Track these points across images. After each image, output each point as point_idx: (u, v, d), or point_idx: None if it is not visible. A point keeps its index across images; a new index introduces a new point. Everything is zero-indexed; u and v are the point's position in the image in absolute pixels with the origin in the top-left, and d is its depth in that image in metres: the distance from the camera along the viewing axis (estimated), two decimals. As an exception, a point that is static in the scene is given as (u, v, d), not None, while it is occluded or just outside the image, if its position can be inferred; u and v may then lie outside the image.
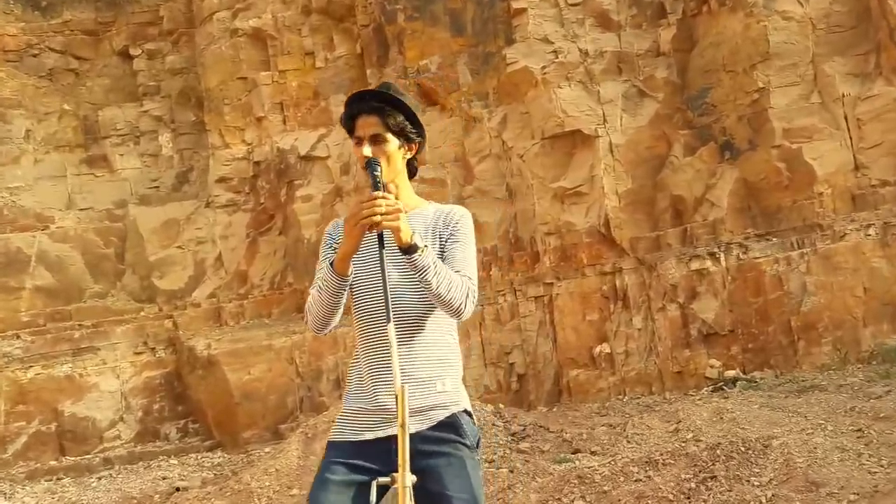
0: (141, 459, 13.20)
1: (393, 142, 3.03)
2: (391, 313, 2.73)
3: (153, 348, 14.43)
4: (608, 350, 13.07)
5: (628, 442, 10.30)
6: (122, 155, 16.28)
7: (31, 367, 13.69)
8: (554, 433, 11.27)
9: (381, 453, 2.91)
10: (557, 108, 13.71)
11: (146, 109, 16.50)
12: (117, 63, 16.79)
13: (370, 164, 2.93)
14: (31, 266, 14.84)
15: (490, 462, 10.55)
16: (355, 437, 2.97)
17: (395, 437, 2.76)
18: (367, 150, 2.97)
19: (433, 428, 2.93)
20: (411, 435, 2.79)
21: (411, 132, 3.08)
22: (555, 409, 12.81)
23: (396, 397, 2.62)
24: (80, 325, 14.32)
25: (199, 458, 13.10)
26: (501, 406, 12.89)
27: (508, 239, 14.27)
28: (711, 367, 12.38)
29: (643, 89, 13.94)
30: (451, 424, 2.93)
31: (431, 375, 2.96)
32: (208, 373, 13.84)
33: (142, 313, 14.92)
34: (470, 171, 14.64)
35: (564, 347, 13.31)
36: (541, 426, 11.53)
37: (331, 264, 2.90)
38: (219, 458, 13.01)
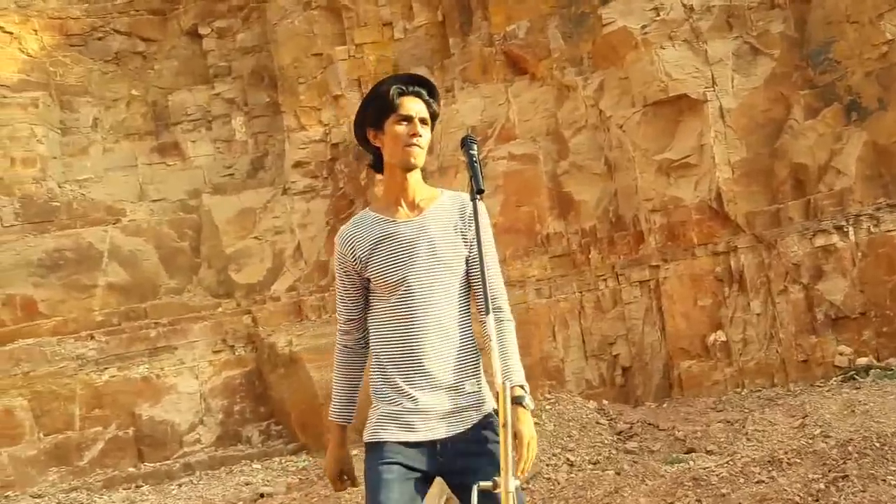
0: (223, 464, 13.45)
1: (430, 132, 3.36)
2: (490, 306, 2.98)
3: (232, 346, 14.69)
4: (723, 338, 12.97)
5: (748, 440, 10.16)
6: (193, 142, 16.63)
7: (106, 368, 14.06)
8: (664, 431, 11.20)
9: (422, 455, 3.20)
10: (660, 71, 13.57)
11: (217, 92, 16.80)
12: (186, 43, 17.14)
13: (469, 143, 3.15)
14: (104, 262, 15.26)
15: (595, 464, 10.52)
16: (395, 439, 3.21)
17: (436, 441, 3.16)
18: (419, 128, 3.26)
19: (470, 430, 3.20)
20: (449, 438, 3.17)
21: (433, 127, 3.39)
22: (665, 405, 12.74)
23: (498, 395, 2.84)
24: (155, 323, 14.67)
25: (283, 462, 13.28)
26: (605, 402, 12.81)
27: (609, 218, 14.21)
28: (841, 354, 12.10)
29: (756, 46, 13.67)
30: (485, 426, 3.20)
31: (461, 377, 3.20)
32: (290, 371, 14.02)
33: (219, 309, 15.18)
34: (564, 145, 14.54)
35: (674, 336, 13.23)
36: (650, 424, 11.47)
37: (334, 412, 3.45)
38: (304, 461, 13.13)
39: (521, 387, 3.16)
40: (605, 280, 13.90)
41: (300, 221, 15.93)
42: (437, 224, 3.26)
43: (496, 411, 3.15)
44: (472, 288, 3.29)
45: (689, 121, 13.60)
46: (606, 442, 11.08)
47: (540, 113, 14.76)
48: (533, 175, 14.54)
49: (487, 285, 3.12)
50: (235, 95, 16.80)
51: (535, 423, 11.35)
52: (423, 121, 3.29)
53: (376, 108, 3.32)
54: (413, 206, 3.31)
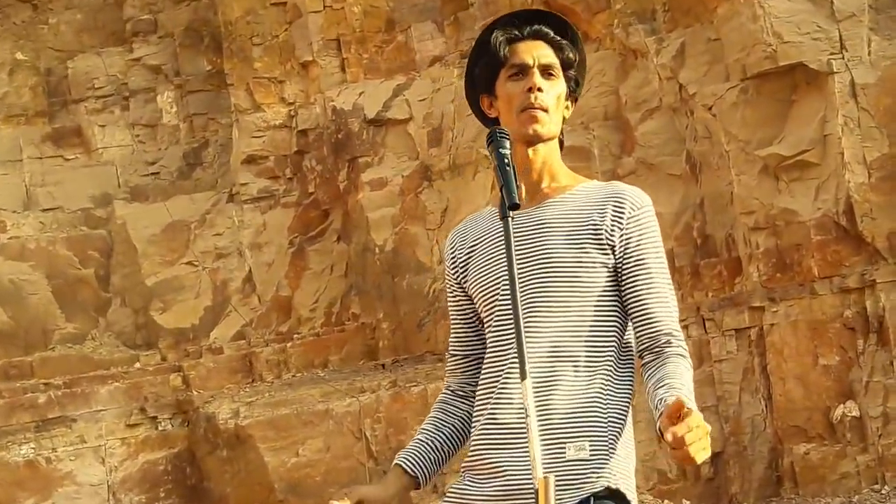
0: (139, 588, 13.29)
1: (562, 84, 3.37)
2: (526, 364, 2.91)
3: (154, 417, 14.66)
4: (856, 412, 12.97)
5: (889, 559, 10.04)
6: (103, 126, 16.58)
7: (-26, 448, 13.96)
8: (769, 545, 11.03)
9: None
10: (766, 30, 13.51)
11: (137, 57, 16.78)
12: (94, -12, 17.18)
13: (497, 138, 3.16)
14: (-26, 297, 15.14)
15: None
16: None
17: None
18: (539, 80, 3.28)
19: None
20: None
21: (576, 80, 3.44)
22: (771, 507, 12.62)
23: (537, 493, 2.76)
24: (45, 384, 14.59)
25: (225, 584, 13.09)
26: (686, 503, 12.82)
27: (692, 238, 14.20)
28: None
29: (904, -5, 13.68)
30: None
31: (562, 436, 3.14)
32: (236, 454, 14.02)
33: (136, 365, 15.12)
34: (629, 135, 14.57)
35: (785, 409, 13.22)
36: (747, 533, 11.33)
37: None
38: (255, 584, 12.98)
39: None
40: (685, 327, 13.70)
41: (253, 240, 15.95)
42: (563, 218, 3.29)
43: (620, 494, 3.19)
44: (631, 319, 3.29)
45: (807, 101, 13.55)
46: (685, 560, 10.96)
47: (595, 88, 14.69)
48: (585, 176, 14.41)
49: (657, 317, 3.20)
50: (163, 62, 16.79)
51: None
52: (545, 69, 3.33)
53: (483, 65, 3.39)
54: (536, 193, 3.36)
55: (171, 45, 16.86)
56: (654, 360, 3.22)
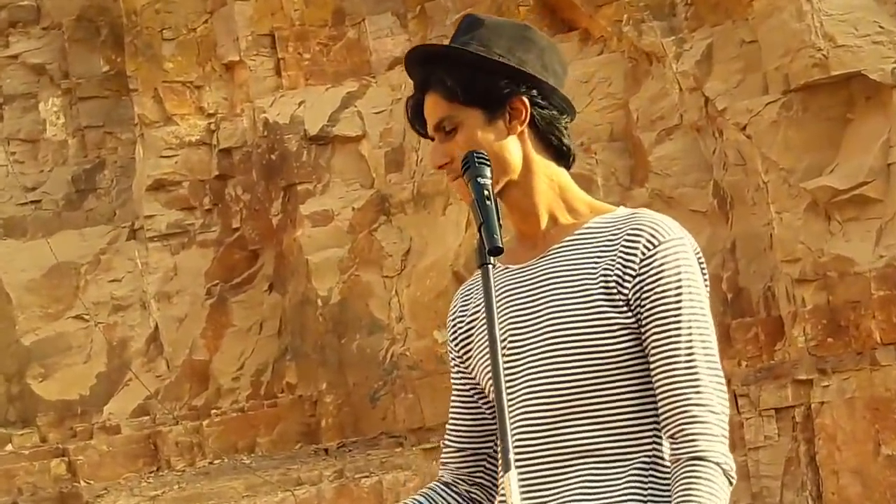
0: None
1: (470, 118, 3.07)
2: (510, 452, 2.68)
3: None
4: None
5: None
6: None
7: None
8: None
9: None
10: (815, 31, 13.51)
11: (15, 53, 16.79)
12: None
13: (475, 164, 2.96)
14: None
15: None
16: None
17: None
18: (437, 154, 3.11)
19: None
20: None
21: (499, 85, 3.04)
22: None
23: None
24: None
25: None
26: None
27: (720, 292, 14.17)
28: None
29: None
30: None
31: None
32: (136, 562, 14.10)
33: (9, 447, 15.19)
34: (641, 160, 14.60)
35: None
36: None
37: None
38: None
39: None
40: (715, 405, 13.61)
41: (160, 289, 15.79)
42: (571, 268, 2.96)
43: None
44: (657, 393, 2.83)
45: (866, 121, 13.73)
46: None
47: (598, 101, 14.67)
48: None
49: (669, 399, 2.74)
50: (48, 60, 16.89)
51: None
52: (440, 129, 3.08)
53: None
54: (538, 241, 3.06)
55: (59, 40, 17.06)
56: (675, 472, 2.79)
